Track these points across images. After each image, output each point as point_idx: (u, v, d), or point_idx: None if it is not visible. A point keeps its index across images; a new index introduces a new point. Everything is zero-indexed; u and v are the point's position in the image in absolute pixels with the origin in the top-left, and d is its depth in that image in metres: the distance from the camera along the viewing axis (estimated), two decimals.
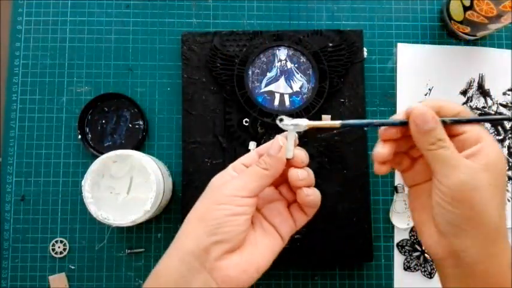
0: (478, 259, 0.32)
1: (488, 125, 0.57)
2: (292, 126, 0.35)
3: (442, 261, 0.34)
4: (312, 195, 0.35)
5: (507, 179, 0.56)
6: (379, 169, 0.36)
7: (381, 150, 0.35)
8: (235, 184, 0.34)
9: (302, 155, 0.35)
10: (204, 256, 0.32)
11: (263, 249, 0.35)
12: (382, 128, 0.35)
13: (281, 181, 0.37)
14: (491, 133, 0.57)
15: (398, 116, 0.34)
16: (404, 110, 0.34)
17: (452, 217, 0.32)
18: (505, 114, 0.44)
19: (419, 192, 0.36)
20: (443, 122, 0.33)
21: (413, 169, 0.37)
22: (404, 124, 0.33)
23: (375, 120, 0.35)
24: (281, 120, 0.35)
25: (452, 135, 0.33)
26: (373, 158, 0.35)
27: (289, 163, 0.35)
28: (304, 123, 0.35)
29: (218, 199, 0.34)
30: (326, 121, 0.36)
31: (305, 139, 0.53)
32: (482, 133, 0.33)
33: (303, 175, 0.35)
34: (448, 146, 0.32)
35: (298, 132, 0.35)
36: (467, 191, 0.31)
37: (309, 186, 0.35)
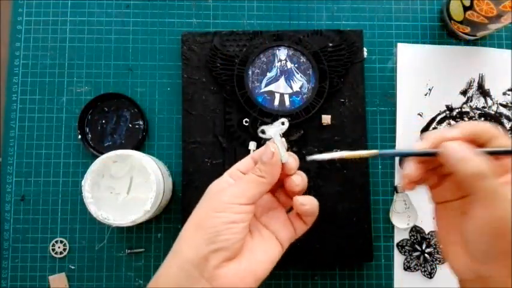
0: (506, 285, 0.30)
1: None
2: (274, 132, 0.36)
3: (467, 282, 0.33)
4: (308, 205, 0.35)
5: None
6: (408, 187, 0.34)
7: (411, 171, 0.33)
8: (232, 191, 0.34)
9: (292, 160, 0.35)
10: (203, 264, 0.32)
11: (262, 257, 0.35)
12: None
13: (277, 187, 0.37)
14: None
15: (428, 143, 0.32)
16: (433, 140, 0.32)
17: (488, 248, 0.30)
18: None
19: (448, 210, 0.34)
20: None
21: (442, 186, 0.35)
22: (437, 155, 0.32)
23: (412, 150, 0.33)
24: (263, 132, 0.36)
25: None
26: (402, 176, 0.34)
27: (282, 168, 0.35)
28: (284, 125, 0.36)
29: (216, 206, 0.34)
30: (362, 152, 0.34)
31: (305, 139, 0.53)
32: None
33: (297, 180, 0.35)
34: (489, 176, 0.29)
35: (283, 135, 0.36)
36: (507, 225, 0.29)
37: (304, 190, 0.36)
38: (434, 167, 0.35)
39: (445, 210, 0.35)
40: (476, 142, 0.32)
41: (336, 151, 0.36)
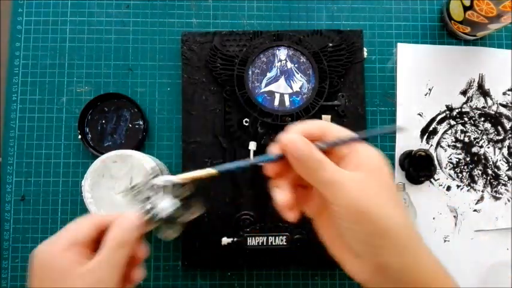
0: (402, 271, 0.29)
1: (488, 125, 0.57)
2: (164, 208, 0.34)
3: (370, 284, 0.30)
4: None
5: (507, 179, 0.56)
6: (290, 217, 0.32)
7: (282, 195, 0.31)
8: (97, 274, 0.30)
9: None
10: None
11: None
12: (264, 165, 0.32)
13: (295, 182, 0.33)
14: (492, 133, 0.57)
15: (274, 149, 0.31)
16: (279, 143, 0.31)
17: (360, 235, 0.29)
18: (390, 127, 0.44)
19: (323, 220, 0.33)
20: (321, 148, 0.30)
21: (309, 200, 0.34)
22: (282, 158, 0.31)
23: (250, 160, 0.32)
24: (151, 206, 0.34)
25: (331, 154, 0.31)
26: (279, 209, 0.32)
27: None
28: (172, 178, 0.33)
29: None
30: (199, 171, 0.34)
31: None
32: (357, 144, 0.31)
33: None
34: (327, 165, 0.29)
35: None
36: (361, 204, 0.28)
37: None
38: (298, 182, 0.33)
39: (320, 221, 0.34)
40: (311, 139, 0.31)
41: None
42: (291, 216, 0.32)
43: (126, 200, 0.34)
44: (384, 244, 0.29)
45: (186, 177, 0.33)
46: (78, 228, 0.32)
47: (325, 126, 0.32)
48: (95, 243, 0.32)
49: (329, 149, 0.31)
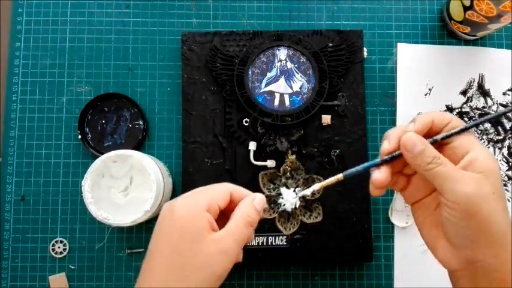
0: (494, 268, 0.31)
1: (488, 125, 0.57)
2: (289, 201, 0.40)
3: (457, 272, 0.33)
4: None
5: (507, 179, 0.56)
6: (376, 192, 0.35)
7: (379, 176, 0.34)
8: (224, 245, 0.32)
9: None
10: None
11: None
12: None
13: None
14: (492, 133, 0.57)
15: (390, 145, 0.34)
16: (395, 139, 0.34)
17: (465, 230, 0.32)
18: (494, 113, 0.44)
19: (423, 208, 0.36)
20: (434, 141, 0.33)
21: (410, 186, 0.37)
22: (400, 156, 0.34)
23: (376, 160, 0.35)
24: (279, 194, 0.41)
25: (441, 146, 0.34)
26: (371, 183, 0.35)
27: None
28: (307, 192, 0.39)
29: (199, 257, 0.31)
30: (329, 179, 0.38)
31: (305, 139, 0.53)
32: (471, 140, 0.33)
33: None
34: (444, 162, 0.32)
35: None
36: (475, 203, 0.31)
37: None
38: (399, 169, 0.36)
39: (420, 209, 0.36)
40: (434, 131, 0.34)
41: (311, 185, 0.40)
42: (376, 193, 0.35)
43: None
44: (486, 243, 0.31)
45: (321, 186, 0.38)
46: (219, 193, 0.34)
47: (432, 115, 0.34)
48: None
49: (444, 142, 0.34)
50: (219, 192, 0.34)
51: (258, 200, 0.35)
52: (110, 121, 0.56)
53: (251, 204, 0.34)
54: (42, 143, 0.56)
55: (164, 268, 0.31)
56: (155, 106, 0.57)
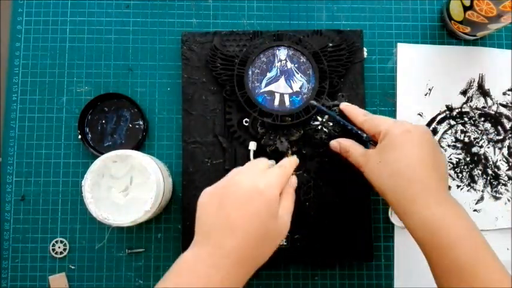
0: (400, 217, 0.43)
1: (488, 125, 0.57)
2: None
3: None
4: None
5: (507, 179, 0.56)
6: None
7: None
8: (286, 219, 0.40)
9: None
10: None
11: None
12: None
13: None
14: (492, 133, 0.57)
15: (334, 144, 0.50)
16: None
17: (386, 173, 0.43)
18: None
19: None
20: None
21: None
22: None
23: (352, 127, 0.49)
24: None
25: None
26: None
27: None
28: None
29: (276, 230, 0.39)
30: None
31: (305, 139, 0.53)
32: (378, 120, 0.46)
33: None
34: (350, 153, 0.47)
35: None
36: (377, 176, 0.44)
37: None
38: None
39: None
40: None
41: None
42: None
43: None
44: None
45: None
46: (286, 176, 0.42)
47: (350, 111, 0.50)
48: None
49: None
50: (286, 175, 0.42)
51: (293, 182, 0.45)
52: (110, 121, 0.56)
53: (292, 186, 0.44)
54: (42, 143, 0.56)
55: (252, 240, 0.37)
56: (155, 106, 0.57)
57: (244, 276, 0.38)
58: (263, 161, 0.43)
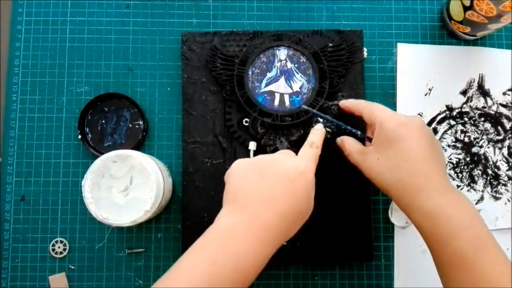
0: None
1: (488, 125, 0.57)
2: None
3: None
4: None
5: (507, 179, 0.56)
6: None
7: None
8: (312, 195, 0.42)
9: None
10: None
11: None
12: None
13: None
14: (492, 133, 0.57)
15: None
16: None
17: (387, 163, 0.45)
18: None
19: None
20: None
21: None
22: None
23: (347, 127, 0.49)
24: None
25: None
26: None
27: None
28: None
29: (310, 208, 0.41)
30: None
31: (305, 139, 0.53)
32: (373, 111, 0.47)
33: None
34: (348, 152, 0.48)
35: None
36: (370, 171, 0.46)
37: None
38: None
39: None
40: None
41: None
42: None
43: None
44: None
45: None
46: (316, 156, 0.44)
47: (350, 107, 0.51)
48: None
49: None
50: (318, 156, 0.44)
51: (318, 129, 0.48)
52: (110, 121, 0.56)
53: (313, 132, 0.47)
54: (42, 143, 0.56)
55: (289, 216, 0.39)
56: (155, 106, 0.57)
57: (274, 250, 0.39)
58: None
